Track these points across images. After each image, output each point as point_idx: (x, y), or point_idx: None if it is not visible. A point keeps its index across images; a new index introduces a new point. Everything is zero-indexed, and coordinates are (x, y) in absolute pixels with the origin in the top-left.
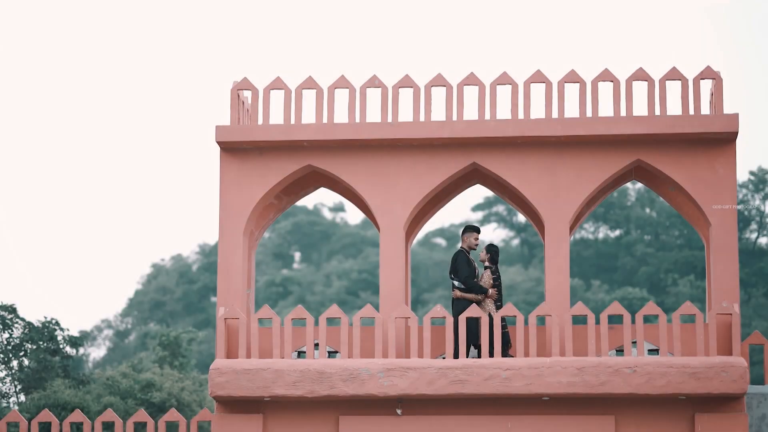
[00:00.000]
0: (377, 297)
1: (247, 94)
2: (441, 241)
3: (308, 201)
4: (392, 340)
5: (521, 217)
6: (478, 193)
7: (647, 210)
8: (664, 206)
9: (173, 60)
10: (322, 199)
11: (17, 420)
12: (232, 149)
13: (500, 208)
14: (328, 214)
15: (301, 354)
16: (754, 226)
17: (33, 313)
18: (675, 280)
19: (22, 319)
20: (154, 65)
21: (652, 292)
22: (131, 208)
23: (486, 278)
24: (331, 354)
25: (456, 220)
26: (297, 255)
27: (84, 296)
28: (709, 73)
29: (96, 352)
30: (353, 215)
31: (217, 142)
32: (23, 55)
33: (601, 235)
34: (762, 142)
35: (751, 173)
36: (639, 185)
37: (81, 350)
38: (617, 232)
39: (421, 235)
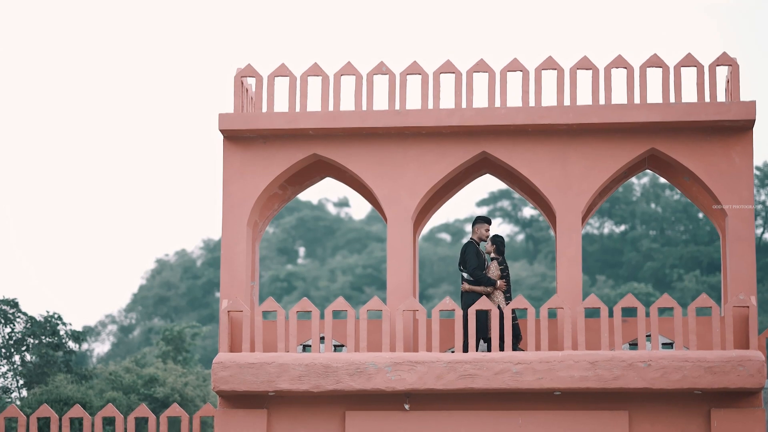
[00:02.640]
0: (382, 292)
1: (251, 82)
2: (446, 236)
3: (313, 196)
4: (400, 334)
5: (526, 212)
6: (484, 188)
7: (652, 205)
8: (669, 201)
9: (176, 48)
10: (326, 194)
11: (16, 415)
12: (235, 138)
13: (505, 203)
14: (332, 209)
15: (306, 348)
16: (759, 221)
17: (36, 308)
18: (680, 276)
19: (24, 314)
20: (156, 54)
21: (657, 288)
22: (135, 202)
23: (493, 270)
24: (337, 348)
25: (461, 215)
26: (301, 250)
27: (88, 291)
28: (725, 60)
29: (100, 348)
30: (358, 210)
31: (221, 130)
32: (25, 46)
33: (606, 231)
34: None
35: (757, 168)
36: (644, 180)
37: (84, 345)
38: (622, 228)
39: (425, 230)
